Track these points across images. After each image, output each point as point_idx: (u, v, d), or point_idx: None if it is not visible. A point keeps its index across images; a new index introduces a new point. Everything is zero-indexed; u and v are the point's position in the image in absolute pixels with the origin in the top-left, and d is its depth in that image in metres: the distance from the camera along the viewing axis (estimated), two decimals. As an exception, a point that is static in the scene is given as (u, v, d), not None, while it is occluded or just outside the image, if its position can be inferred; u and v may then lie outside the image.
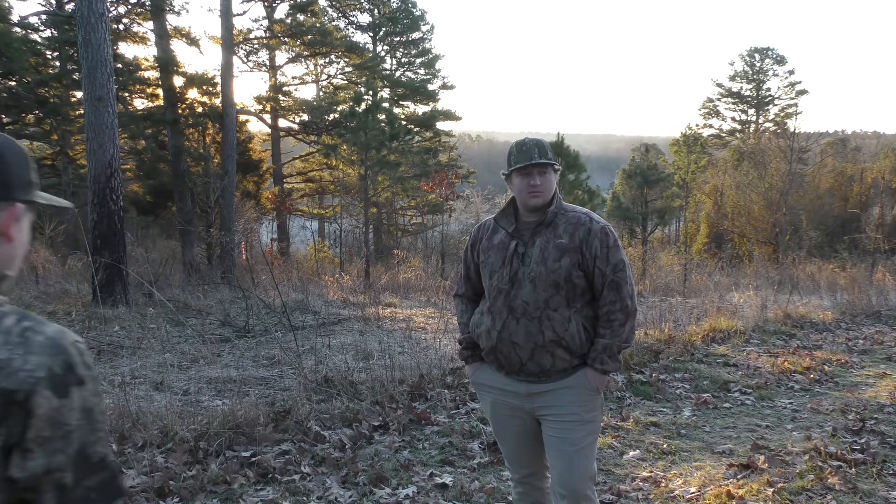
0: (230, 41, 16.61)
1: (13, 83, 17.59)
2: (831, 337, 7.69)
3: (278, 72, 27.76)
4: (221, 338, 6.88)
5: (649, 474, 3.79)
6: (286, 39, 25.70)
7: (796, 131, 25.41)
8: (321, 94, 30.27)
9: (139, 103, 20.60)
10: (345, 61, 29.11)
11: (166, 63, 18.06)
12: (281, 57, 27.57)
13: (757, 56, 44.70)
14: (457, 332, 2.86)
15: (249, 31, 25.25)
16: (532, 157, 2.40)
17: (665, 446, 4.21)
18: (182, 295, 9.47)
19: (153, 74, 19.90)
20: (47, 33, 19.02)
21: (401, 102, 32.02)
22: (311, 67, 29.64)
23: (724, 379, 5.75)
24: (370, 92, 22.93)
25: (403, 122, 25.91)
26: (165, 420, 3.91)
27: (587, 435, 2.41)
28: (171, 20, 20.68)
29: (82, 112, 10.02)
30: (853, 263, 15.25)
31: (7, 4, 22.89)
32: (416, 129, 29.89)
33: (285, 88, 27.85)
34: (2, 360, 0.96)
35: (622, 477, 3.76)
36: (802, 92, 44.09)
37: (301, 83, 29.15)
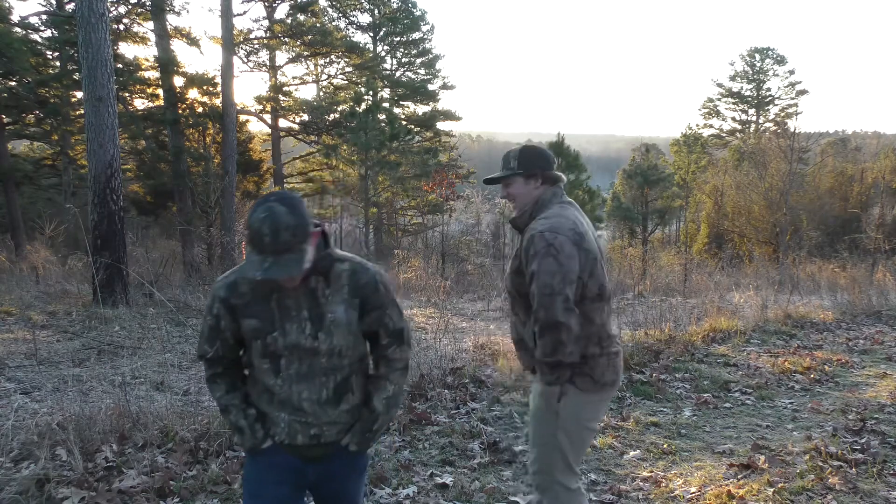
0: (230, 41, 16.61)
1: (13, 83, 17.61)
2: (832, 337, 7.69)
3: (278, 72, 27.77)
4: (222, 338, 6.86)
5: (650, 474, 3.78)
6: (286, 39, 25.70)
7: (796, 131, 25.40)
8: (321, 94, 30.28)
9: (139, 103, 20.61)
10: (345, 61, 29.12)
11: (166, 63, 18.07)
12: (281, 57, 27.60)
13: (757, 56, 44.72)
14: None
15: (250, 31, 25.27)
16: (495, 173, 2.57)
17: (665, 446, 4.20)
18: (182, 295, 9.47)
19: (153, 74, 19.91)
20: (47, 33, 19.04)
21: (401, 102, 32.04)
22: (312, 67, 29.65)
23: (725, 379, 5.75)
24: (370, 92, 22.98)
25: (403, 123, 25.97)
26: (166, 420, 3.91)
27: (547, 431, 2.43)
28: (172, 20, 20.71)
29: (82, 112, 10.02)
30: (853, 263, 15.23)
31: (7, 4, 22.90)
32: (417, 130, 29.93)
33: (285, 88, 27.86)
34: None
35: (622, 477, 3.76)
36: (802, 92, 44.17)
37: (301, 83, 29.17)
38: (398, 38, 32.63)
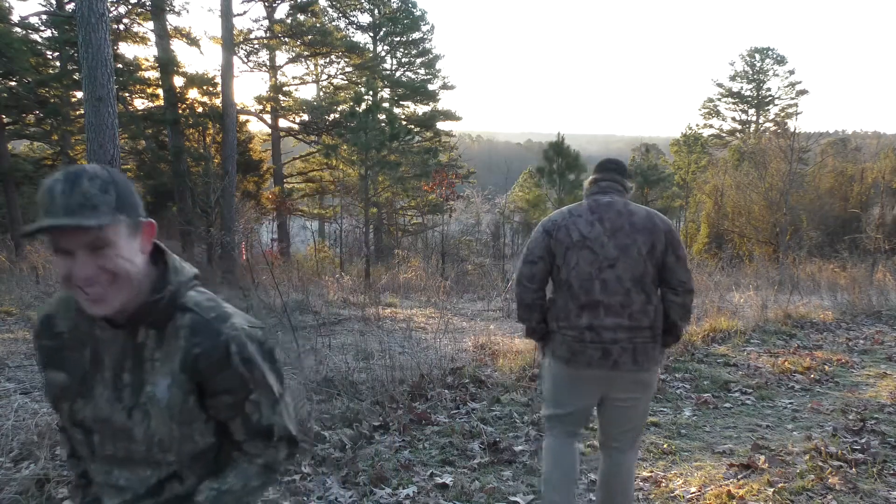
0: (230, 41, 16.62)
1: (13, 83, 17.59)
2: (832, 337, 7.68)
3: (278, 72, 27.78)
4: (222, 338, 6.85)
5: (650, 474, 3.78)
6: (286, 39, 25.72)
7: (796, 131, 25.37)
8: (321, 94, 30.29)
9: (139, 103, 20.62)
10: (345, 61, 29.13)
11: (166, 63, 18.09)
12: (281, 57, 27.62)
13: (757, 56, 44.73)
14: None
15: (250, 31, 25.28)
16: None
17: (665, 446, 4.20)
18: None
19: (153, 74, 19.93)
20: (47, 33, 19.02)
21: (401, 102, 32.04)
22: (312, 67, 29.67)
23: (725, 379, 5.75)
24: (370, 92, 22.94)
25: (403, 123, 25.94)
26: (166, 420, 3.90)
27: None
28: (172, 20, 20.73)
29: (82, 112, 10.01)
30: (853, 263, 15.21)
31: (7, 4, 22.91)
32: (417, 130, 29.92)
33: (285, 88, 27.87)
34: None
35: (622, 477, 3.76)
36: (802, 92, 44.16)
37: (301, 83, 29.19)
38: (398, 38, 32.62)
